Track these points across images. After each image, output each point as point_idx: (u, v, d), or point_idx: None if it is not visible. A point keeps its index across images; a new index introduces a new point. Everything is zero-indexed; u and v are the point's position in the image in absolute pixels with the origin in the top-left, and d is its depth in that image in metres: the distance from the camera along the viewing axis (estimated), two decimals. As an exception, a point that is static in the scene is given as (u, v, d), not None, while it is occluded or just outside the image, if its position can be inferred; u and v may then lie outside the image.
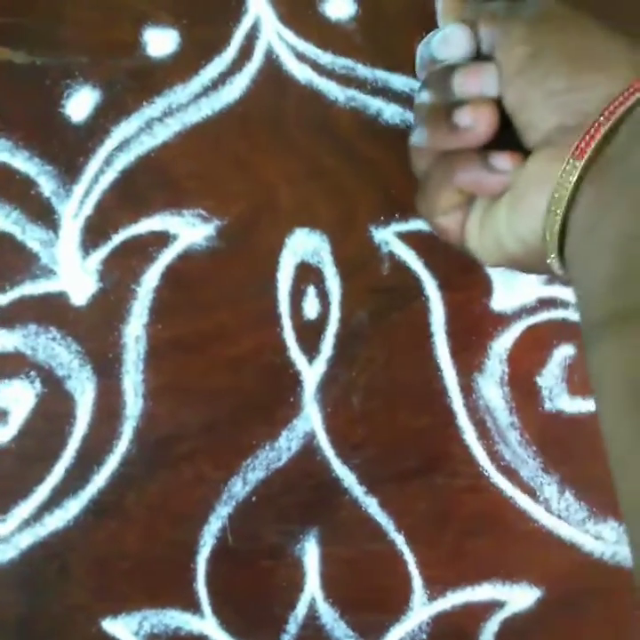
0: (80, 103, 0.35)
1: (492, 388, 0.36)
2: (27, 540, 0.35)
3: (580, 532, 0.36)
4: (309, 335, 0.36)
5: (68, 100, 0.35)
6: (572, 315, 0.36)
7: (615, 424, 0.25)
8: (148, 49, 0.36)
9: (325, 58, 0.36)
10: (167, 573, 0.36)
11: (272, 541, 0.36)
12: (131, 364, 0.36)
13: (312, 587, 0.36)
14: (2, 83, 0.35)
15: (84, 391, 0.35)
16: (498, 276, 0.36)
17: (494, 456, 0.36)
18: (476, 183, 0.29)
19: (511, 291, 0.36)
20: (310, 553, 0.36)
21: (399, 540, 0.36)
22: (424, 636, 0.36)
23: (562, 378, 0.36)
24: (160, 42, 0.36)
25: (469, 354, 0.36)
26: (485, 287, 0.36)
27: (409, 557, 0.36)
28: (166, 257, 0.36)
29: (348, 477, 0.36)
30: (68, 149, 0.35)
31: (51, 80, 0.35)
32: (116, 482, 0.35)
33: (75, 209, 0.36)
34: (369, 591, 0.37)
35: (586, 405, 0.36)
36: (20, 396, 0.35)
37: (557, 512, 0.36)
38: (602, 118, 0.26)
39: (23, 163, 0.35)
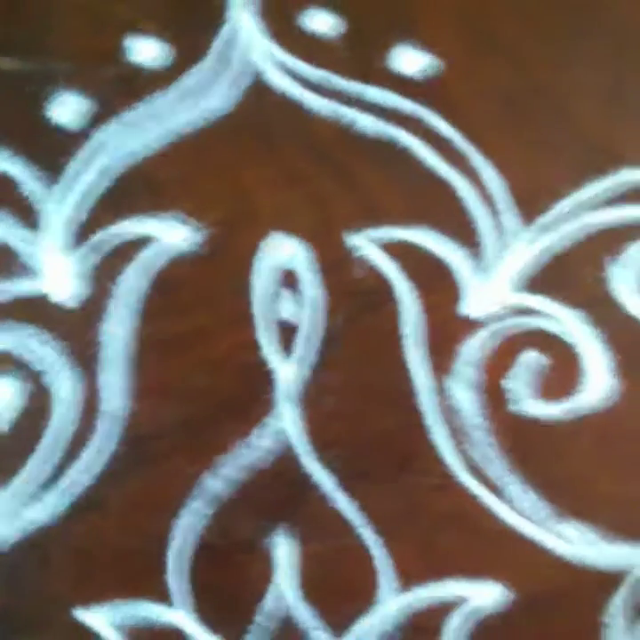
0: (65, 107, 0.36)
1: (461, 390, 0.37)
2: (7, 530, 0.37)
3: (542, 530, 0.37)
4: (284, 336, 0.37)
5: (53, 104, 0.36)
6: (540, 321, 0.38)
7: None
8: (131, 56, 0.37)
9: (304, 68, 0.37)
10: (144, 565, 0.37)
11: (244, 536, 0.37)
12: (109, 362, 0.37)
13: (282, 580, 0.37)
14: (-12, 86, 0.37)
15: (62, 387, 0.36)
16: (468, 282, 0.38)
17: (462, 456, 0.37)
18: None
19: (481, 297, 0.38)
20: (282, 548, 0.37)
21: (368, 536, 0.37)
22: (390, 628, 0.37)
23: (528, 382, 0.38)
24: (143, 49, 0.37)
25: (439, 357, 0.37)
26: (456, 292, 0.38)
27: (377, 552, 0.38)
28: (145, 258, 0.37)
29: (318, 474, 0.37)
30: (51, 152, 0.36)
31: (36, 85, 0.37)
32: (95, 476, 0.36)
33: (57, 209, 0.37)
34: (338, 584, 0.38)
35: (551, 409, 0.37)
36: (0, 392, 0.36)
37: (521, 511, 0.37)
38: None
39: (7, 164, 0.36)
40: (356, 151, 0.37)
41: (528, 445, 0.37)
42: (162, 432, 0.37)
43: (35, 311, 0.36)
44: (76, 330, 0.36)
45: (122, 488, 0.37)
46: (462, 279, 0.37)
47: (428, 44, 0.37)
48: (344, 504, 0.37)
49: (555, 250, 0.38)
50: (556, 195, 0.38)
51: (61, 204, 0.36)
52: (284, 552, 0.37)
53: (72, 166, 0.36)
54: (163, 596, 0.37)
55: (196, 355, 0.37)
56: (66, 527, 0.37)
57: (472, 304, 0.38)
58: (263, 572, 0.37)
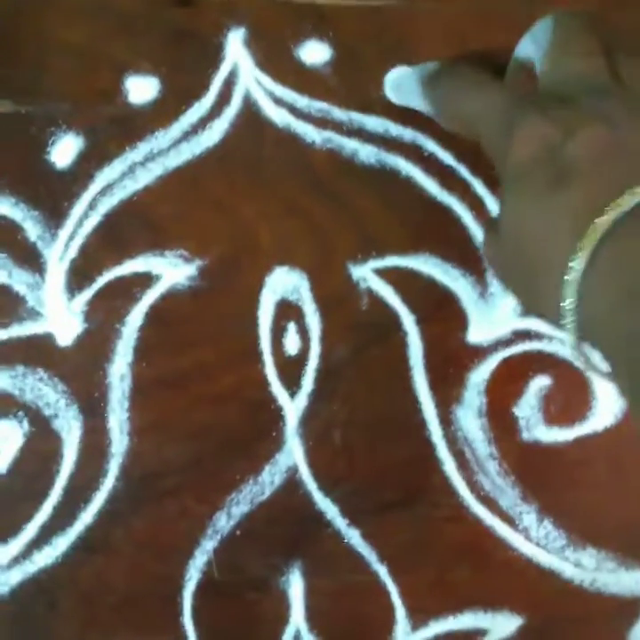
0: (64, 150, 0.36)
1: (471, 419, 0.37)
2: (16, 576, 0.36)
3: (559, 559, 0.37)
4: (291, 371, 0.37)
5: (53, 146, 0.37)
6: (547, 346, 0.37)
7: None
8: (129, 96, 0.37)
9: (302, 101, 0.37)
10: (154, 607, 0.37)
11: (257, 574, 0.37)
12: (116, 402, 0.36)
13: (297, 618, 0.37)
14: (-12, 131, 0.37)
15: (70, 430, 0.36)
16: (473, 309, 0.37)
17: (474, 486, 0.37)
18: None
19: (487, 324, 0.37)
20: (295, 585, 0.37)
21: (382, 571, 0.37)
22: (408, 666, 0.37)
23: (538, 408, 0.37)
24: (141, 89, 0.37)
25: (447, 386, 0.37)
26: (461, 320, 0.37)
27: (392, 588, 0.37)
28: (150, 297, 0.37)
29: (330, 510, 0.37)
30: (53, 195, 0.36)
31: (35, 128, 0.37)
32: (103, 518, 0.36)
33: (60, 252, 0.37)
34: (353, 622, 0.37)
35: (562, 435, 0.37)
36: (8, 436, 0.36)
37: (536, 540, 0.37)
38: None
39: (9, 208, 0.36)
40: (355, 181, 0.37)
41: (541, 473, 0.37)
42: (168, 470, 0.37)
43: (42, 355, 0.36)
44: (82, 372, 0.36)
45: (128, 529, 0.36)
46: (468, 306, 0.37)
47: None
48: (357, 540, 0.37)
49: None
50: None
51: (65, 247, 0.36)
52: (299, 590, 0.37)
53: (75, 208, 0.36)
54: (177, 638, 0.37)
55: (201, 391, 0.37)
56: (73, 570, 0.36)
57: (478, 331, 0.37)
58: (278, 611, 0.37)
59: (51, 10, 0.37)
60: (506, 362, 0.37)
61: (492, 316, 0.37)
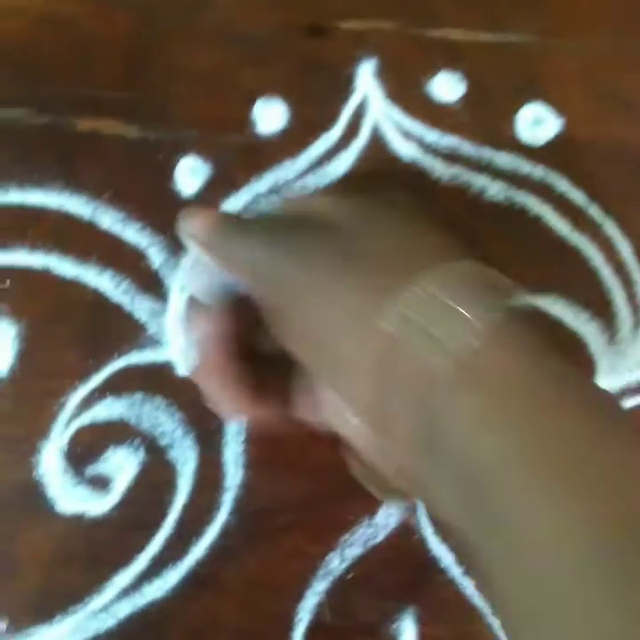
0: (191, 177, 0.36)
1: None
2: (125, 609, 0.35)
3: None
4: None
5: (179, 173, 0.36)
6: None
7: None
8: (257, 125, 0.37)
9: (431, 136, 0.37)
10: (262, 648, 0.36)
11: (368, 619, 0.36)
12: (232, 435, 0.36)
13: (408, 667, 0.36)
14: (115, 156, 0.37)
15: (186, 461, 0.36)
16: (602, 355, 0.36)
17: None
18: None
19: (615, 370, 0.36)
20: (406, 632, 0.36)
21: (496, 623, 0.36)
22: None
23: None
24: (269, 118, 0.37)
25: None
26: (590, 367, 0.36)
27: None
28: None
29: (445, 557, 0.36)
30: (178, 222, 0.36)
31: (162, 154, 0.36)
32: (215, 553, 0.35)
33: (183, 281, 0.36)
34: (466, 674, 0.36)
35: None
36: (124, 464, 0.36)
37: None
38: None
39: (134, 234, 0.36)
40: (483, 218, 0.36)
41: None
42: (282, 507, 0.36)
43: (161, 383, 0.36)
44: (200, 402, 0.36)
45: (240, 565, 0.36)
46: (596, 352, 0.36)
47: (555, 108, 0.37)
48: (472, 589, 0.35)
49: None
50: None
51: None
52: (410, 637, 0.35)
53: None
54: (281, 680, 0.36)
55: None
56: (183, 605, 0.36)
57: (606, 378, 0.36)
58: (389, 659, 0.35)
59: (181, 38, 0.37)
60: (633, 411, 0.36)
61: (620, 362, 0.36)
